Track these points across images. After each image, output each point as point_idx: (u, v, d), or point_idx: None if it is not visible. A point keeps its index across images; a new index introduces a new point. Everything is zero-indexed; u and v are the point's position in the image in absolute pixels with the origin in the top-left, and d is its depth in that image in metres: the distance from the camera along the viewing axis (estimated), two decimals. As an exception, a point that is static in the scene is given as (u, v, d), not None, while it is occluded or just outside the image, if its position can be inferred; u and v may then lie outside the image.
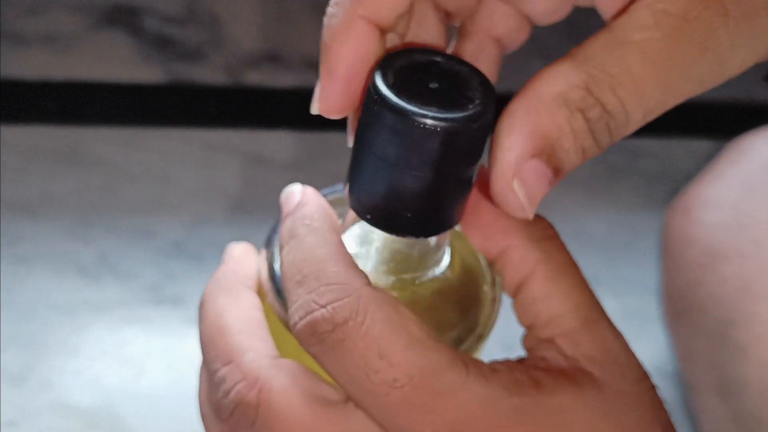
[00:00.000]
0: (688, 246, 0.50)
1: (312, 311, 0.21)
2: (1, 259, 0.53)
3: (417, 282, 0.24)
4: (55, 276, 0.53)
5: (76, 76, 0.67)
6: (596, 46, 0.21)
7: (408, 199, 0.21)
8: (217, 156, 0.63)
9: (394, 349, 0.20)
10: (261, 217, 0.60)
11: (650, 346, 0.56)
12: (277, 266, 0.25)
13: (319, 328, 0.21)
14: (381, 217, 0.22)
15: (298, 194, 0.25)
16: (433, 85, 0.20)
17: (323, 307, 0.21)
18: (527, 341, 0.23)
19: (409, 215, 0.21)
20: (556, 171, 0.20)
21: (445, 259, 0.24)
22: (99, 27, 0.71)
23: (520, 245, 0.23)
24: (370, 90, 0.20)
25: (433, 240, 0.23)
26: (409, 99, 0.20)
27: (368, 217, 0.22)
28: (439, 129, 0.20)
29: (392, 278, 0.24)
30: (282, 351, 0.23)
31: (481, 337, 0.24)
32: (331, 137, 0.67)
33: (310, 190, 0.25)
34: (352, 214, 0.23)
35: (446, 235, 0.23)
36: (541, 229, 0.23)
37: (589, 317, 0.22)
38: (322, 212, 0.24)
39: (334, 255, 0.22)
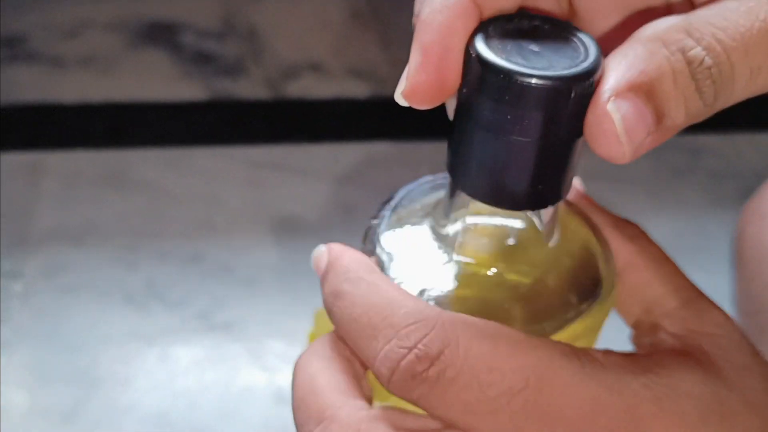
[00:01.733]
0: (766, 253, 0.46)
1: (403, 357, 0.20)
2: (47, 290, 0.52)
3: (525, 264, 0.23)
4: (103, 306, 0.52)
5: (116, 97, 0.66)
6: (698, 4, 0.20)
7: (518, 169, 0.20)
8: (263, 173, 0.61)
9: (501, 359, 0.20)
10: (311, 236, 0.58)
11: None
12: None
13: (416, 369, 0.20)
14: (491, 192, 0.21)
15: (325, 254, 0.23)
16: (535, 48, 0.20)
17: (413, 348, 0.20)
18: (635, 337, 0.23)
19: (519, 186, 0.21)
20: (658, 116, 0.19)
21: (555, 239, 0.23)
22: (136, 45, 0.70)
23: (614, 240, 0.23)
24: (471, 56, 0.20)
25: (543, 218, 0.22)
26: (511, 61, 0.19)
27: (478, 194, 0.21)
28: (545, 87, 0.19)
29: (497, 263, 0.23)
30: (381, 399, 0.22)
31: (599, 316, 0.23)
32: (376, 147, 0.65)
33: (336, 246, 0.23)
34: (447, 196, 0.23)
35: (555, 214, 0.23)
36: (633, 228, 0.24)
37: (690, 296, 0.22)
38: (355, 262, 0.22)
39: (394, 296, 0.21)
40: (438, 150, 0.71)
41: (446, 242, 0.23)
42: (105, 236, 0.56)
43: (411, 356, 0.20)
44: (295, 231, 0.58)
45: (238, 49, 0.71)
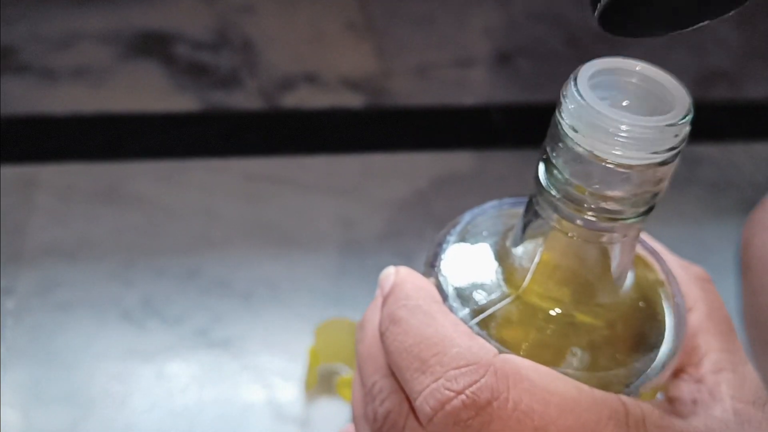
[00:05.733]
0: None
1: (448, 400, 0.19)
2: (41, 307, 0.51)
3: (594, 306, 0.22)
4: (98, 323, 0.51)
5: (109, 109, 0.65)
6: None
7: None
8: (259, 186, 0.61)
9: (550, 419, 0.19)
10: (311, 249, 0.57)
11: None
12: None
13: (461, 416, 0.20)
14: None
15: (391, 276, 0.23)
16: None
17: (460, 393, 0.19)
18: (677, 381, 0.23)
19: None
20: None
21: (628, 283, 0.23)
22: (129, 57, 0.69)
23: (682, 281, 0.24)
24: None
25: (615, 260, 0.22)
26: None
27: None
28: None
29: (566, 301, 0.22)
30: None
31: (664, 368, 0.23)
32: (372, 159, 0.65)
33: (404, 270, 0.23)
34: (520, 224, 0.23)
35: (631, 254, 0.22)
36: (699, 272, 0.24)
37: (739, 360, 0.23)
38: (417, 289, 0.22)
39: (449, 332, 0.20)
40: (436, 161, 0.71)
41: (513, 274, 0.22)
42: (100, 252, 0.55)
43: (457, 401, 0.19)
44: (293, 245, 0.57)
45: (233, 60, 0.70)
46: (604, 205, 0.20)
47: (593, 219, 0.21)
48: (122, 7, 0.72)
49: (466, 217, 0.25)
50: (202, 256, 0.55)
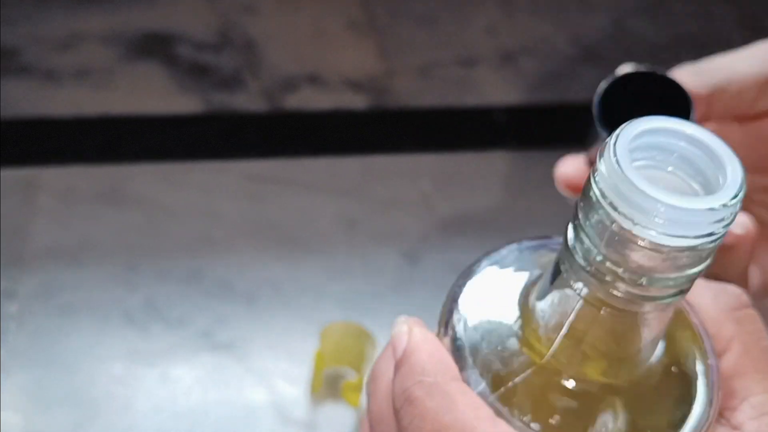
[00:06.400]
0: None
1: None
2: (44, 311, 0.51)
3: (624, 377, 0.21)
4: (101, 326, 0.50)
5: (111, 111, 0.65)
6: None
7: None
8: (262, 187, 0.60)
9: None
10: (314, 251, 0.57)
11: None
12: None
13: None
14: None
15: (404, 337, 0.21)
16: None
17: None
18: (716, 427, 0.21)
19: None
20: None
21: (659, 350, 0.21)
22: (131, 58, 0.69)
23: (715, 317, 0.22)
24: None
25: (648, 333, 0.20)
26: None
27: None
28: None
29: (593, 373, 0.20)
30: None
31: None
32: (377, 160, 0.64)
33: (417, 334, 0.21)
34: (546, 283, 0.20)
35: (666, 320, 0.20)
36: (733, 299, 0.22)
37: None
38: (435, 361, 0.20)
39: (469, 420, 0.19)
40: (439, 162, 0.70)
41: (538, 340, 0.20)
42: (102, 254, 0.54)
43: None
44: (296, 246, 0.57)
45: (235, 60, 0.70)
46: (639, 284, 0.18)
47: (627, 298, 0.18)
48: (124, 8, 0.71)
49: (483, 264, 0.23)
50: (204, 257, 0.55)
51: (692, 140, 0.18)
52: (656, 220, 0.17)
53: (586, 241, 0.18)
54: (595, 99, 0.30)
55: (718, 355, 0.21)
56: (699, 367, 0.21)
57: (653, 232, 0.17)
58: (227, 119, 0.66)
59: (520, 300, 0.21)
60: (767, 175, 0.32)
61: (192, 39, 0.70)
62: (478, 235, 0.62)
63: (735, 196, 0.18)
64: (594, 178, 0.18)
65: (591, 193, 0.18)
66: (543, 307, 0.20)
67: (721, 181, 0.18)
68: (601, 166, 0.18)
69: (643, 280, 0.18)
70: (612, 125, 0.30)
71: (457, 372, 0.20)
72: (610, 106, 0.30)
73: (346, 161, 0.64)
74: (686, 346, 0.21)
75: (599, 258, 0.18)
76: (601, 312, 0.19)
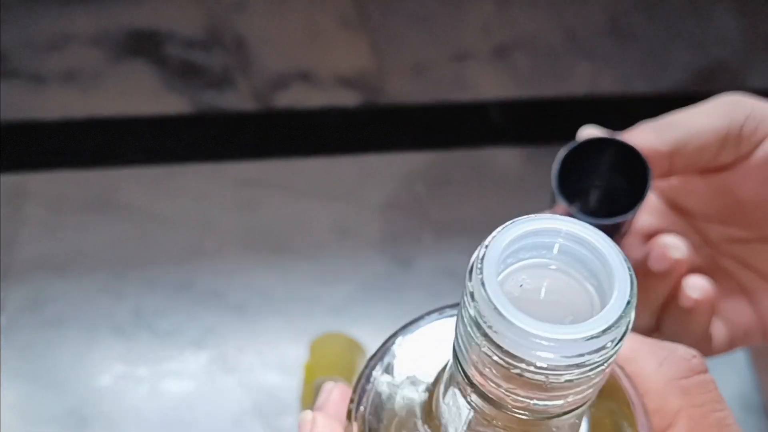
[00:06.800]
0: None
1: None
2: (31, 324, 0.50)
3: None
4: (89, 339, 0.50)
5: (99, 114, 0.64)
6: None
7: None
8: (254, 191, 0.60)
9: None
10: (306, 257, 0.56)
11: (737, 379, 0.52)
12: None
13: None
14: None
15: (307, 426, 0.20)
16: None
17: None
18: None
19: None
20: None
21: (584, 428, 0.19)
22: (119, 59, 0.68)
23: (658, 388, 0.19)
24: None
25: (561, 425, 0.18)
26: None
27: None
28: None
29: None
30: None
31: None
32: (371, 160, 0.63)
33: (320, 425, 0.20)
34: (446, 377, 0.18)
35: (581, 415, 0.18)
36: (681, 367, 0.19)
37: None
38: None
39: None
40: (433, 161, 0.69)
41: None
42: (91, 264, 0.54)
43: None
44: (287, 253, 0.56)
45: (225, 59, 0.69)
46: (527, 405, 0.16)
47: (518, 416, 0.16)
48: (111, 7, 0.70)
49: (398, 340, 0.20)
50: (194, 266, 0.54)
51: (571, 237, 0.16)
52: (534, 352, 0.15)
53: (464, 353, 0.16)
54: (554, 167, 0.29)
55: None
56: None
57: (526, 365, 0.15)
58: (217, 120, 0.65)
59: (429, 386, 0.19)
60: (732, 226, 0.32)
61: (180, 37, 0.69)
62: (476, 237, 0.61)
63: (621, 316, 0.15)
64: (464, 290, 0.16)
65: (462, 308, 0.16)
66: (444, 403, 0.19)
67: (607, 294, 0.15)
68: (468, 281, 0.15)
69: (531, 404, 0.16)
70: (570, 193, 0.30)
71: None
72: (570, 173, 0.30)
73: (339, 162, 0.63)
74: (618, 426, 0.19)
75: (477, 377, 0.16)
76: (494, 422, 0.17)
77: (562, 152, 0.30)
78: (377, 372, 0.20)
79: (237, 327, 0.51)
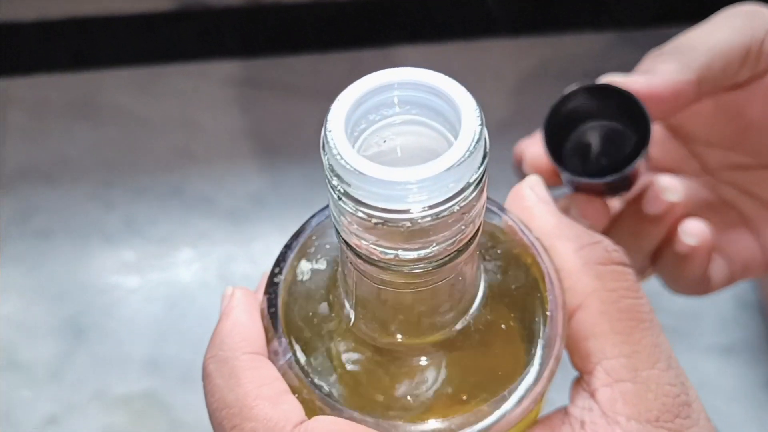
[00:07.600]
0: None
1: None
2: (22, 236, 0.49)
3: (432, 336, 0.19)
4: (81, 249, 0.49)
5: (77, 13, 0.61)
6: None
7: None
8: (242, 91, 0.58)
9: None
10: (298, 159, 0.55)
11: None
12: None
13: None
14: None
15: (226, 300, 0.21)
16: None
17: None
18: (576, 388, 0.20)
19: None
20: None
21: (480, 295, 0.19)
22: (97, -49, 0.64)
23: (571, 268, 0.20)
24: None
25: (441, 287, 0.18)
26: None
27: None
28: None
29: (399, 335, 0.19)
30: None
31: (520, 403, 0.19)
32: (362, 56, 0.61)
33: (237, 297, 0.20)
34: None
35: (471, 278, 0.18)
36: (600, 253, 0.20)
37: (643, 363, 0.19)
38: (234, 333, 0.20)
39: (249, 400, 0.18)
40: (429, 54, 0.66)
41: (341, 306, 0.19)
42: (78, 172, 0.53)
43: None
44: (278, 156, 0.55)
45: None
46: (396, 257, 0.16)
47: (398, 269, 0.16)
48: None
49: (313, 222, 0.21)
50: (184, 171, 0.53)
51: (408, 85, 0.16)
52: (383, 195, 0.15)
53: (335, 213, 0.17)
54: (545, 123, 0.28)
55: (571, 311, 0.19)
56: (537, 318, 0.19)
57: (387, 206, 0.15)
58: (202, 16, 0.62)
59: (335, 261, 0.20)
60: (735, 151, 0.31)
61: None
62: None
63: (472, 141, 0.15)
64: (322, 148, 0.16)
65: (326, 171, 0.16)
66: (341, 271, 0.19)
67: (457, 127, 0.15)
68: (323, 145, 0.16)
69: (406, 257, 0.16)
70: (560, 148, 0.29)
71: (259, 344, 0.20)
72: (559, 126, 0.28)
73: (331, 58, 0.61)
74: (525, 295, 0.20)
75: (351, 234, 0.17)
76: (378, 286, 0.18)
77: (550, 107, 0.28)
78: (292, 252, 0.21)
79: (229, 233, 0.51)
